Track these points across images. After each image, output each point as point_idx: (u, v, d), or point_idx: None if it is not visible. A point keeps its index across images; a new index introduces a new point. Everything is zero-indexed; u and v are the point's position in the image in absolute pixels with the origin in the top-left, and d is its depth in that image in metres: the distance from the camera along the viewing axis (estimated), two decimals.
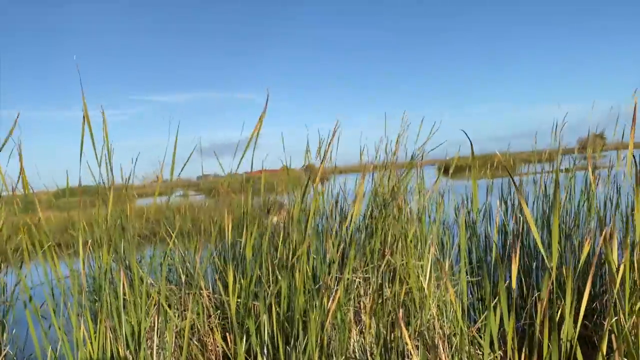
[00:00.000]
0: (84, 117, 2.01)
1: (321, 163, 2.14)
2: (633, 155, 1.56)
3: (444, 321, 2.60)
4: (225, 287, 2.92)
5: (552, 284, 2.30)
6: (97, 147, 2.13)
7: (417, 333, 2.50)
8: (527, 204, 3.34)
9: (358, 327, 2.60)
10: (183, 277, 2.94)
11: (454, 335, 2.57)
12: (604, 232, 1.23)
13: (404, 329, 1.81)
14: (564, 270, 2.55)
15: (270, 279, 2.26)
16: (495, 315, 1.49)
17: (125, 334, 1.95)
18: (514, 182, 1.43)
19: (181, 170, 2.22)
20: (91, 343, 1.88)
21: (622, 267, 1.24)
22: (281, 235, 2.44)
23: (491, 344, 2.51)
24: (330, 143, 2.06)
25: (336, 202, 3.29)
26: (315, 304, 1.89)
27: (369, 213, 2.88)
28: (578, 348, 1.31)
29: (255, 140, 2.12)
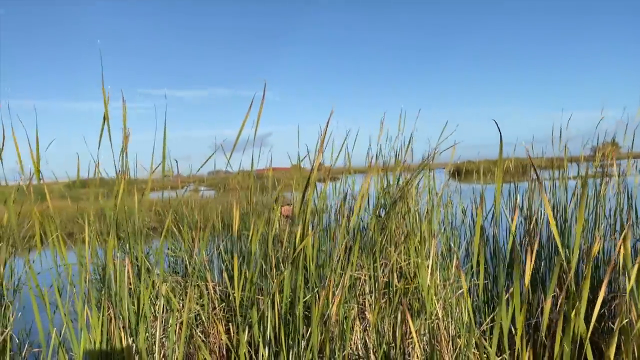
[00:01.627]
0: (104, 116, 2.02)
1: (315, 161, 2.12)
2: None
3: (449, 322, 2.58)
4: (231, 278, 2.93)
5: (565, 284, 2.26)
6: (112, 139, 2.14)
7: (420, 334, 2.48)
8: (532, 207, 3.31)
9: (362, 325, 2.59)
10: (190, 269, 2.95)
11: (459, 337, 2.54)
12: (624, 232, 1.20)
13: (411, 323, 1.79)
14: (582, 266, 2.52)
15: (274, 273, 2.26)
16: (505, 311, 1.47)
17: (129, 322, 1.96)
18: (538, 177, 1.41)
19: (200, 168, 2.23)
20: (95, 329, 1.89)
21: (637, 266, 1.21)
22: (286, 230, 2.43)
23: (499, 343, 2.48)
24: (322, 141, 2.04)
25: (345, 199, 3.28)
26: (318, 299, 1.88)
27: (377, 211, 2.86)
28: (589, 347, 1.29)
29: (254, 135, 2.12)
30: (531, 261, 1.33)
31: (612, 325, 2.61)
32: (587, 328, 1.37)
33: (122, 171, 2.22)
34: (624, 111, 3.22)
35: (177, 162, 2.52)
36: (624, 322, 1.26)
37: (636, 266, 1.19)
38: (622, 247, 1.27)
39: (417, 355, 2.33)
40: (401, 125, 3.07)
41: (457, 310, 2.62)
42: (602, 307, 2.65)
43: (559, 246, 1.29)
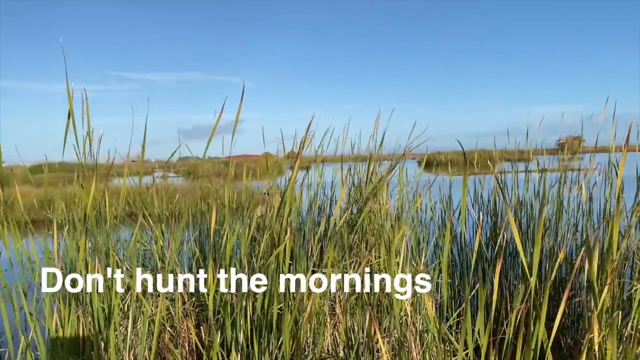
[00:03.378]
0: (69, 113, 1.96)
1: (298, 153, 2.13)
2: None
3: (416, 318, 2.64)
4: (199, 272, 2.91)
5: (529, 289, 2.35)
6: (77, 124, 2.08)
7: (389, 330, 2.53)
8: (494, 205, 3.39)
9: (332, 321, 2.63)
10: (159, 263, 2.91)
11: (426, 332, 2.61)
12: (592, 253, 1.26)
13: (376, 328, 1.84)
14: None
15: (248, 275, 2.26)
16: (470, 315, 1.52)
17: (98, 320, 1.93)
18: (503, 193, 1.46)
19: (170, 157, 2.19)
20: (63, 327, 1.86)
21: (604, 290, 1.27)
22: (262, 229, 2.43)
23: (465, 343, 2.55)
24: (306, 134, 2.05)
25: (315, 195, 3.29)
26: (291, 303, 1.90)
27: (349, 209, 2.89)
28: (550, 354, 1.35)
29: (234, 127, 2.12)
30: (498, 279, 1.38)
31: (570, 325, 2.73)
32: (551, 330, 1.44)
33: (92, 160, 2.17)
34: (585, 107, 3.33)
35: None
36: (590, 336, 1.32)
37: (605, 289, 1.26)
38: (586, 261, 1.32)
39: (386, 352, 2.39)
40: (377, 127, 3.09)
41: (425, 307, 2.68)
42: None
43: (522, 256, 1.34)
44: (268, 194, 4.14)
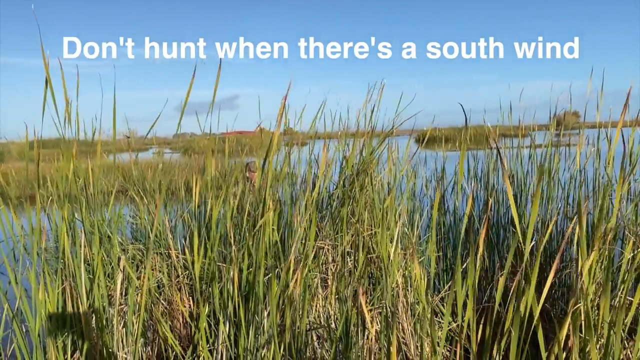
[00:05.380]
0: (46, 80, 1.92)
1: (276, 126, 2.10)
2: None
3: (407, 289, 2.65)
4: (191, 251, 2.91)
5: (518, 260, 2.35)
6: (62, 100, 2.05)
7: (380, 301, 2.55)
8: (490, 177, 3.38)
9: (324, 293, 2.63)
10: (152, 236, 2.90)
11: (417, 303, 2.62)
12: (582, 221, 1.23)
13: (363, 302, 1.84)
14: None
15: (234, 243, 2.25)
16: (461, 284, 1.51)
17: (86, 292, 1.93)
18: (502, 159, 1.43)
19: (149, 131, 2.17)
20: (50, 301, 1.85)
21: (591, 256, 1.26)
22: (249, 199, 2.41)
23: (453, 312, 2.57)
24: (282, 108, 2.02)
25: (310, 168, 3.26)
26: (279, 272, 1.89)
27: (341, 182, 2.87)
28: (540, 323, 1.35)
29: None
30: (485, 235, 1.37)
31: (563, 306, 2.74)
32: (539, 300, 1.43)
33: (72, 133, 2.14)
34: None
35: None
36: (575, 307, 1.31)
37: (591, 257, 1.24)
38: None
39: (372, 325, 2.41)
40: (372, 99, 3.04)
41: (416, 279, 2.69)
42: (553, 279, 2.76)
43: (516, 222, 1.33)
44: (250, 170, 4.11)
